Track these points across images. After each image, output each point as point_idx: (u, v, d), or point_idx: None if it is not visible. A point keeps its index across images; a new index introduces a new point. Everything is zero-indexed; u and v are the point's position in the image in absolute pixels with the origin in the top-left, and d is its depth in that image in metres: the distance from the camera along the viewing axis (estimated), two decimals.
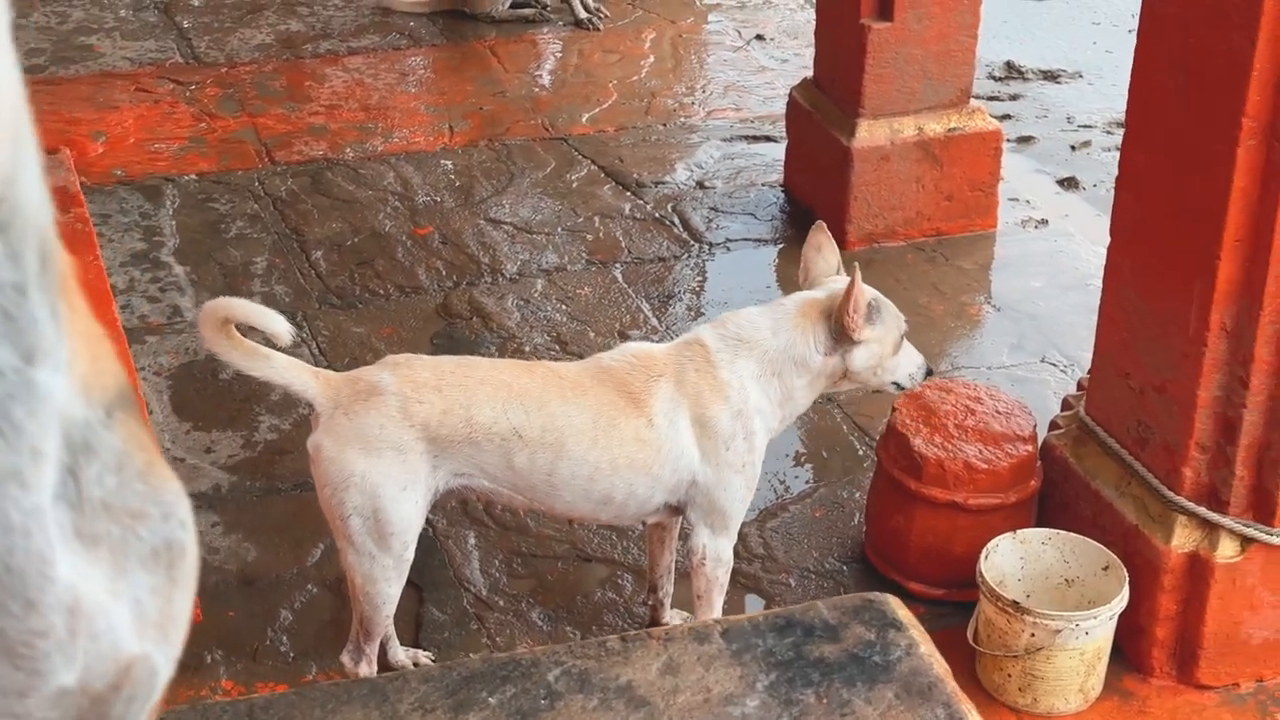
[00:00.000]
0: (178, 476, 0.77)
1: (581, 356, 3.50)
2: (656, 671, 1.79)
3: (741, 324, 3.02)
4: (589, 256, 4.98)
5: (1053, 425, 3.58)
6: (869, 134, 4.83)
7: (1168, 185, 3.01)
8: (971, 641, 3.19)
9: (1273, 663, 3.23)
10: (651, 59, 6.57)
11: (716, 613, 3.13)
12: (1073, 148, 5.84)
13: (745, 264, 4.98)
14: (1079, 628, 3.04)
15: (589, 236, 5.10)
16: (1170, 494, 3.11)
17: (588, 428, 2.89)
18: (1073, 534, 3.24)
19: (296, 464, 3.80)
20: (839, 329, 2.97)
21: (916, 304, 4.60)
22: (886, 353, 3.04)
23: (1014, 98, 6.28)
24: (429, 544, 3.57)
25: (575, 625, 3.44)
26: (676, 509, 3.06)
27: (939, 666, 1.81)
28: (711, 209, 5.29)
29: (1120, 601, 3.08)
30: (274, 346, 2.78)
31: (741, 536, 3.43)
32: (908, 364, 3.10)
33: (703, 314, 4.63)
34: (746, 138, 5.83)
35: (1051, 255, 5.03)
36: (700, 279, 4.92)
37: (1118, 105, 3.70)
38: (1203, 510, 3.07)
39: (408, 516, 2.85)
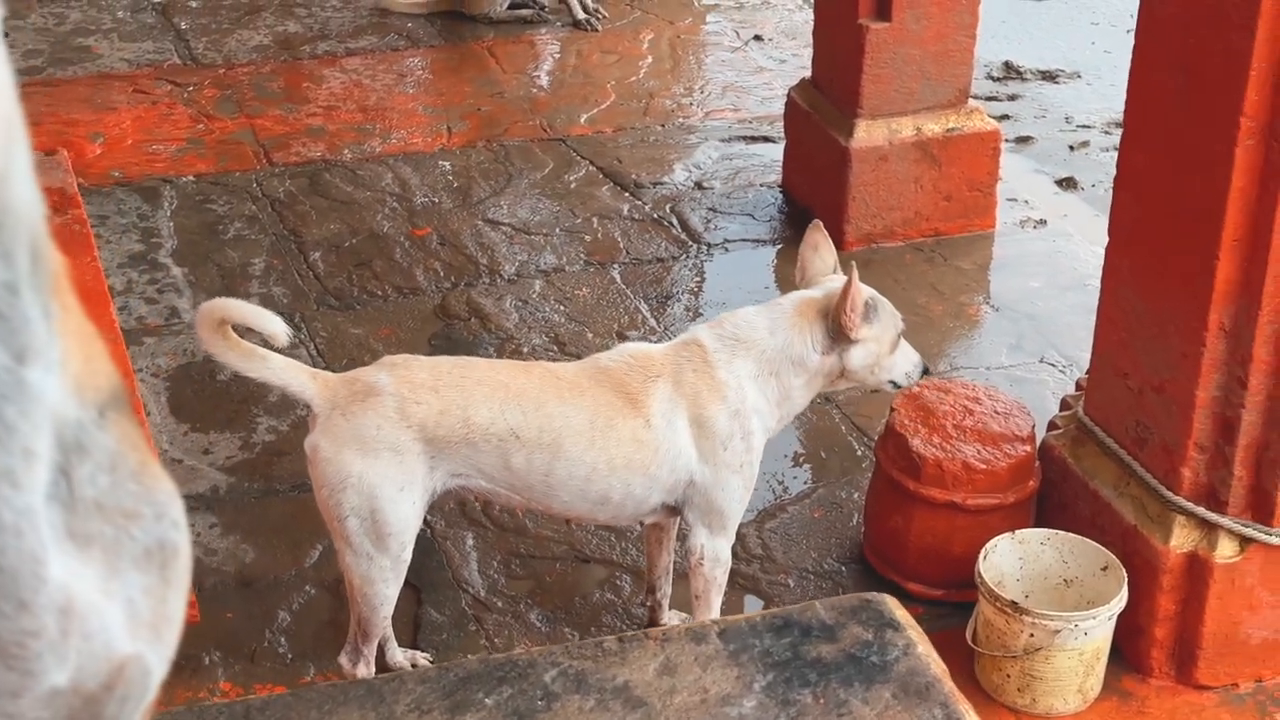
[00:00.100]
0: (175, 477, 0.77)
1: (580, 357, 3.49)
2: (654, 672, 1.78)
3: (739, 324, 3.02)
4: (587, 257, 4.98)
5: (1051, 425, 3.58)
6: (867, 134, 4.83)
7: (1166, 185, 3.01)
8: (970, 642, 3.19)
9: (1271, 663, 3.22)
10: (650, 60, 6.57)
11: (715, 613, 3.13)
12: (1071, 148, 5.84)
13: (743, 264, 4.97)
14: (1078, 628, 3.04)
15: (587, 237, 5.10)
16: (1169, 494, 3.11)
17: (585, 428, 2.88)
18: (1071, 534, 3.23)
19: (294, 465, 3.80)
20: (836, 328, 2.97)
21: (915, 304, 4.60)
22: (884, 351, 3.04)
23: (1012, 98, 6.28)
24: (427, 545, 3.57)
25: (573, 626, 3.44)
26: (674, 509, 3.05)
27: (936, 667, 1.81)
28: (710, 209, 5.29)
29: (1119, 602, 3.08)
30: (272, 348, 2.78)
31: (740, 537, 3.43)
32: (904, 363, 3.10)
33: (701, 315, 4.63)
34: (744, 138, 5.83)
35: (1050, 255, 5.03)
36: (698, 280, 4.92)
37: (1116, 105, 3.70)
38: (1201, 510, 3.07)
39: (405, 517, 2.85)
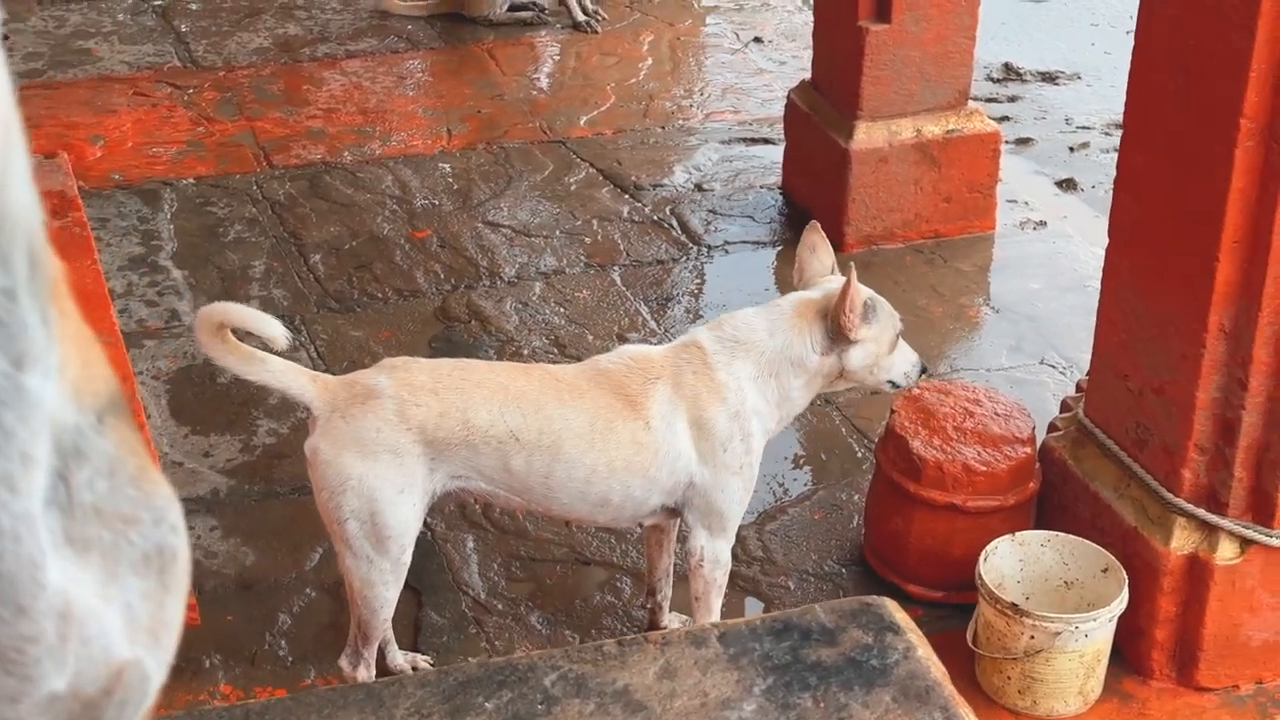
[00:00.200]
0: (175, 480, 0.77)
1: (580, 359, 3.49)
2: (653, 676, 1.78)
3: (738, 326, 3.02)
4: (587, 259, 4.98)
5: (1051, 427, 3.58)
6: (867, 136, 4.83)
7: (1166, 187, 3.01)
8: (971, 644, 3.18)
9: (1272, 664, 3.22)
10: (649, 62, 6.57)
11: (715, 614, 3.13)
12: (1071, 149, 5.84)
13: (744, 266, 4.97)
14: (1078, 630, 3.04)
15: (587, 239, 5.10)
16: (1169, 496, 3.10)
17: (585, 430, 2.89)
18: (1072, 536, 3.23)
19: (295, 468, 3.80)
20: (835, 329, 2.97)
21: (915, 306, 4.60)
22: (882, 351, 3.05)
23: (1012, 99, 6.28)
24: (427, 547, 3.57)
25: (574, 629, 3.44)
26: (674, 511, 3.06)
27: (937, 670, 1.81)
28: (710, 211, 5.29)
29: (1119, 604, 3.08)
30: (272, 350, 2.78)
31: (740, 539, 3.43)
32: (903, 362, 3.11)
33: (701, 317, 4.63)
34: (745, 140, 5.83)
35: (1050, 257, 5.03)
36: (699, 282, 4.92)
37: (1116, 107, 3.70)
38: (1202, 512, 3.07)
39: (405, 519, 2.85)
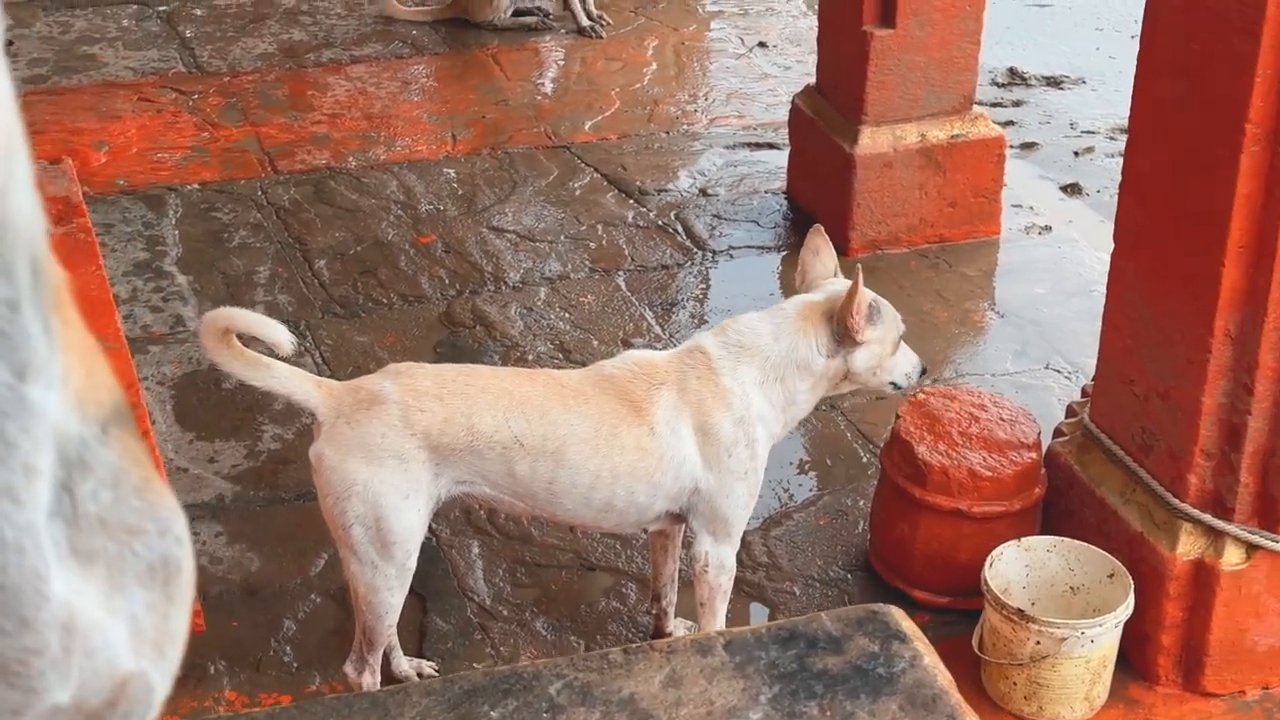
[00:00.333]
0: (180, 486, 0.77)
1: (584, 365, 3.49)
2: (659, 684, 1.78)
3: (743, 330, 3.02)
4: (592, 264, 4.98)
5: (1057, 432, 3.58)
6: (872, 141, 4.83)
7: (1171, 191, 3.00)
8: (976, 650, 3.18)
9: (1278, 670, 3.21)
10: (654, 66, 6.57)
11: (720, 620, 3.13)
12: (1076, 154, 5.84)
13: (748, 271, 4.97)
14: (1084, 635, 3.03)
15: (592, 244, 5.10)
16: (1175, 501, 3.10)
17: (589, 436, 2.88)
18: (1077, 541, 3.23)
19: (300, 473, 3.80)
20: (842, 331, 2.97)
21: (920, 311, 4.60)
22: (886, 353, 3.05)
23: (1017, 104, 6.27)
24: (432, 553, 3.57)
25: (579, 635, 3.43)
26: (679, 516, 3.05)
27: (943, 678, 1.81)
28: (714, 216, 5.29)
29: (1125, 609, 3.07)
30: (277, 356, 2.78)
31: (746, 545, 3.43)
32: (905, 364, 3.12)
33: (706, 322, 4.62)
34: (749, 145, 5.83)
35: (1055, 261, 5.03)
36: (703, 287, 4.92)
37: (1121, 111, 3.69)
38: (1208, 517, 3.06)
39: (410, 525, 2.85)
